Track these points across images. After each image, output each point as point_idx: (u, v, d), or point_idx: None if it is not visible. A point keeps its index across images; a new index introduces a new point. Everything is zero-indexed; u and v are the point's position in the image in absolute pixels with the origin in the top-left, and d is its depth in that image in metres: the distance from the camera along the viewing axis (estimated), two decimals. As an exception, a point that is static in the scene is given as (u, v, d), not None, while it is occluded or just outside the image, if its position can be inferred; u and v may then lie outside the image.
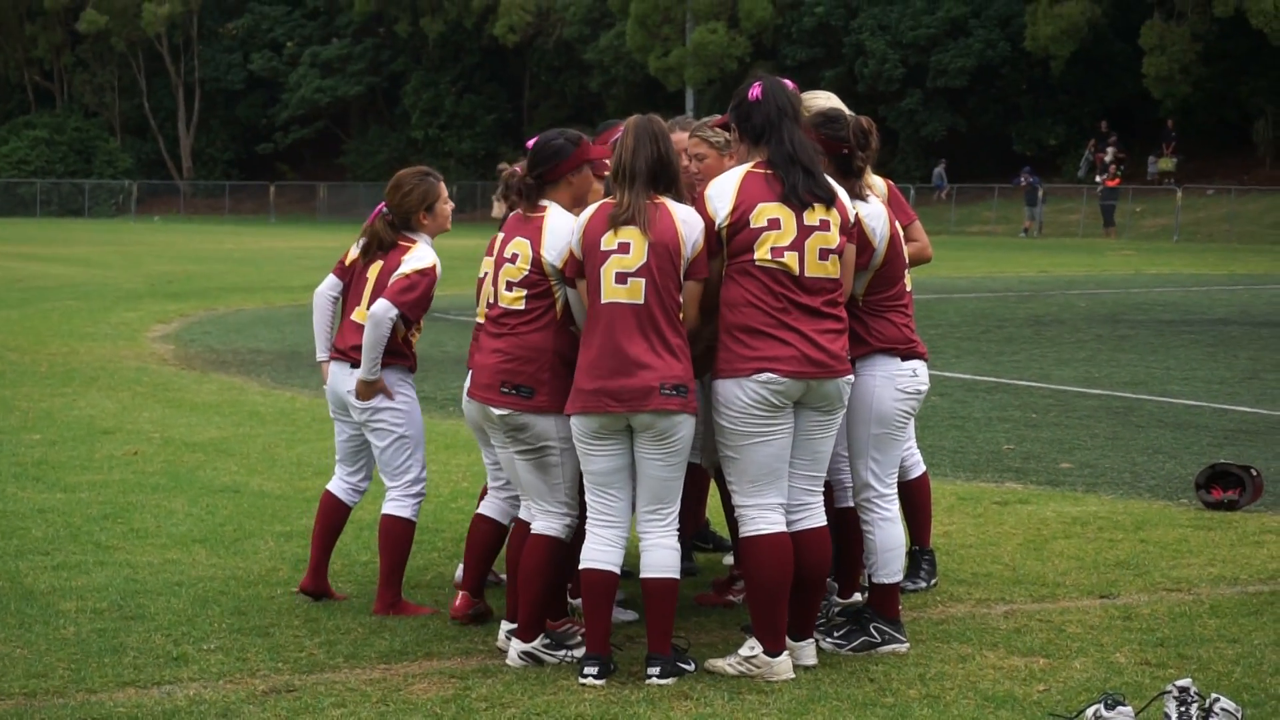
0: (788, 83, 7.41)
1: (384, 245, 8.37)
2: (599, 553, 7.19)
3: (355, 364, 8.22)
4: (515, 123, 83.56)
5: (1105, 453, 13.19)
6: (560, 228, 7.34)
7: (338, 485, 8.59)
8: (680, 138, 8.83)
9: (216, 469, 12.31)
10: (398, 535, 8.30)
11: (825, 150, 7.51)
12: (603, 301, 7.06)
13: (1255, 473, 10.99)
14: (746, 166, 7.22)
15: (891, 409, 7.64)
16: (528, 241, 7.37)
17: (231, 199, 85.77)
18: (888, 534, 7.66)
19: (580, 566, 7.22)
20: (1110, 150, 57.25)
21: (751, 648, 7.09)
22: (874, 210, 7.58)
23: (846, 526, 7.95)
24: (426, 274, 8.21)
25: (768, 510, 7.14)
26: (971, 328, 23.97)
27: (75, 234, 59.42)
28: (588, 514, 7.29)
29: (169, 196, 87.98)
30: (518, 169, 7.81)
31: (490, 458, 8.15)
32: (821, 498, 7.44)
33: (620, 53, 70.33)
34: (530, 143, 7.62)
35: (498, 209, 8.24)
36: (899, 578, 7.71)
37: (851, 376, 7.26)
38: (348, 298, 8.45)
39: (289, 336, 22.75)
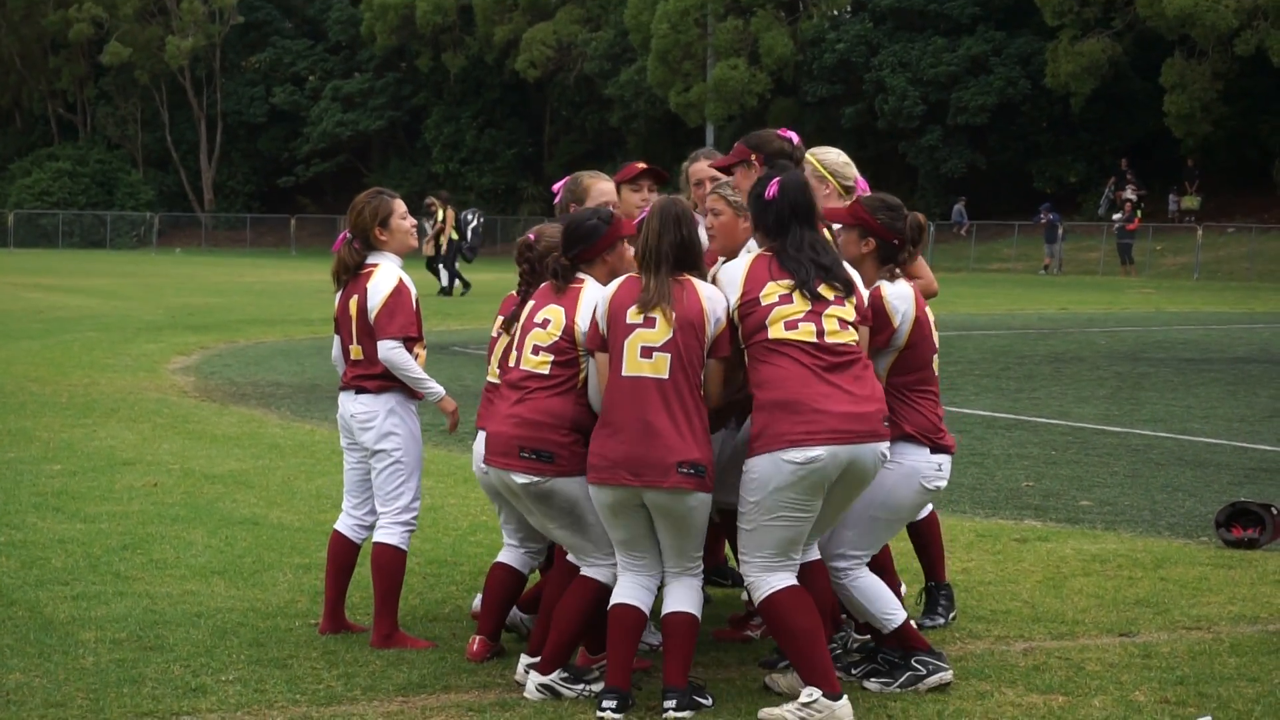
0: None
1: (349, 269, 8.47)
2: (630, 591, 7.22)
3: (360, 390, 8.32)
4: (536, 157, 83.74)
5: (1125, 490, 13.16)
6: (594, 300, 7.39)
7: (345, 523, 8.61)
8: (700, 166, 8.95)
9: (236, 501, 12.33)
10: (386, 564, 8.31)
11: (879, 236, 7.55)
12: (625, 374, 7.08)
13: (1276, 511, 10.97)
14: (757, 251, 7.29)
15: (907, 502, 7.60)
16: (562, 310, 7.43)
17: (253, 232, 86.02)
18: (865, 586, 7.57)
19: (611, 604, 7.24)
20: (1129, 188, 57.23)
21: (810, 694, 6.96)
22: (899, 291, 7.57)
23: None
24: (398, 293, 8.31)
25: (778, 573, 7.11)
26: (991, 365, 23.94)
27: (97, 265, 59.58)
28: (619, 561, 7.31)
29: (190, 229, 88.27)
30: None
31: (505, 516, 8.17)
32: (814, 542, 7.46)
33: (641, 88, 70.42)
34: (563, 222, 7.71)
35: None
36: (903, 614, 7.65)
37: (887, 445, 7.16)
38: (341, 335, 8.52)
39: (309, 369, 22.78)
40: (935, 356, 7.75)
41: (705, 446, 7.07)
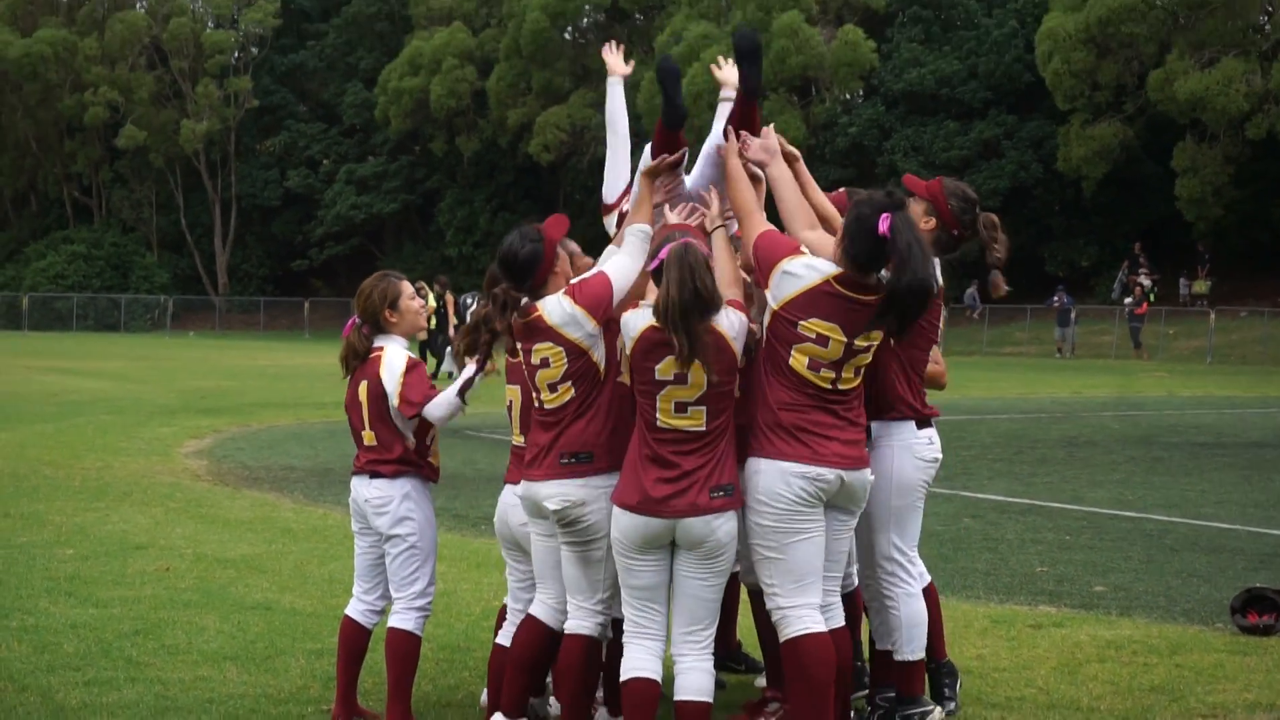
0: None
1: (358, 355, 8.48)
2: (642, 662, 7.18)
3: (374, 475, 8.31)
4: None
5: (1139, 576, 13.11)
6: (562, 311, 7.43)
7: (355, 608, 8.57)
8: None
9: (248, 585, 12.31)
10: (401, 650, 8.28)
11: (943, 218, 7.59)
12: (660, 425, 7.11)
13: (1291, 597, 10.92)
14: (829, 273, 7.14)
15: (912, 477, 7.67)
16: (549, 342, 7.47)
17: (266, 314, 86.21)
18: (912, 609, 7.62)
19: (623, 678, 7.19)
20: (1143, 273, 57.32)
21: None
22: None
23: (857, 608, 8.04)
24: (412, 367, 8.33)
25: (810, 610, 7.14)
26: (1004, 449, 23.90)
27: (111, 348, 59.73)
28: (626, 627, 7.27)
29: (204, 312, 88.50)
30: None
31: (516, 575, 8.17)
32: (839, 597, 7.47)
33: (654, 172, 70.68)
34: (498, 256, 7.71)
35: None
36: (923, 653, 7.66)
37: (870, 471, 7.30)
38: (352, 420, 8.51)
39: (322, 453, 22.78)
40: (936, 347, 7.89)
41: (734, 468, 7.17)
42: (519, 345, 7.63)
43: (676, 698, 7.18)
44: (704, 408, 7.08)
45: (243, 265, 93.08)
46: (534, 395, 7.59)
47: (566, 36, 79.74)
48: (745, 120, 7.86)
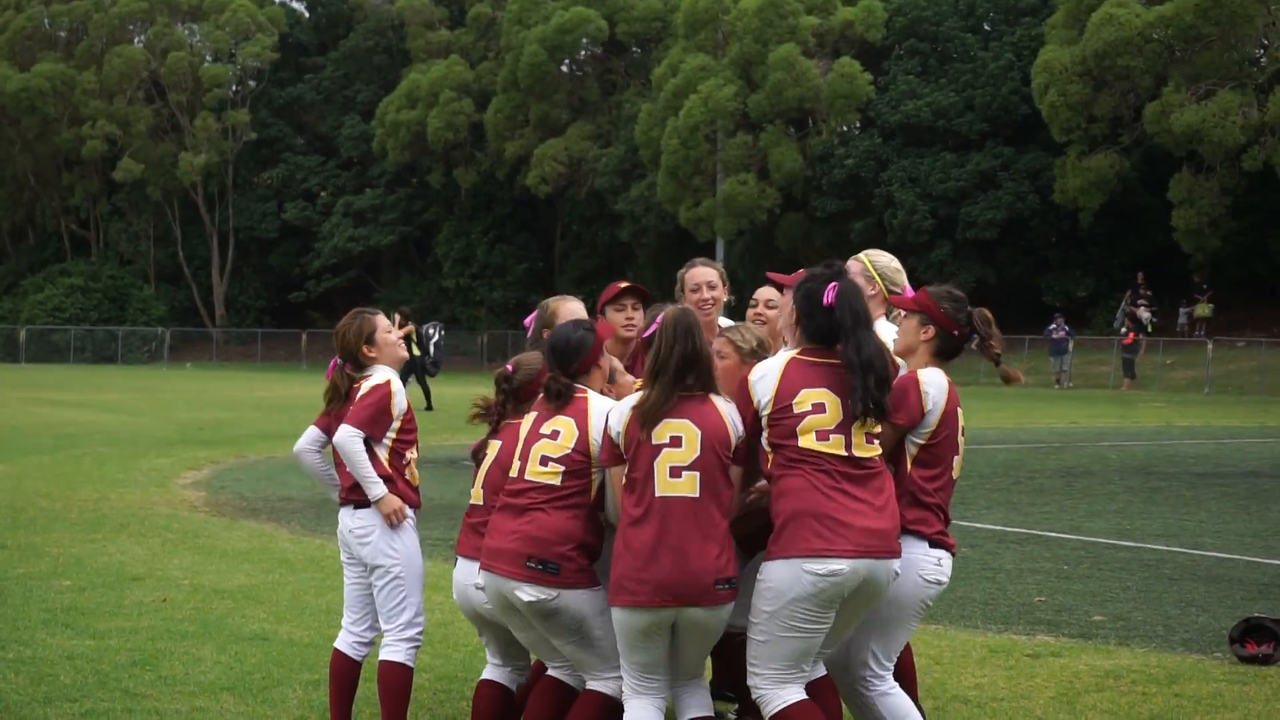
0: (849, 266, 7.37)
1: (340, 395, 8.51)
2: (646, 715, 7.14)
3: (358, 505, 8.31)
4: (547, 272, 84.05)
5: (1138, 605, 13.10)
6: (604, 411, 7.38)
7: (344, 640, 8.56)
8: (696, 272, 9.01)
9: (245, 616, 12.30)
10: (393, 682, 8.25)
11: (941, 325, 7.54)
12: (657, 495, 7.02)
13: (1289, 626, 10.91)
14: (791, 353, 7.20)
15: (910, 594, 7.43)
16: (572, 421, 7.40)
17: (264, 346, 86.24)
18: (895, 705, 7.50)
19: None
20: (1141, 304, 57.37)
21: None
22: (934, 378, 7.50)
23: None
24: (377, 389, 8.33)
25: (789, 685, 7.09)
26: (1002, 479, 23.90)
27: (108, 380, 59.72)
28: (629, 686, 7.21)
29: (201, 343, 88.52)
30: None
31: (487, 639, 8.06)
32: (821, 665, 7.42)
33: (651, 203, 70.80)
34: (549, 342, 7.65)
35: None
36: None
37: (899, 562, 7.14)
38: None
39: (319, 484, 22.72)
40: (957, 460, 7.60)
41: (733, 555, 7.09)
42: (532, 411, 7.59)
43: (684, 719, 7.18)
44: (697, 474, 7.01)
45: (240, 297, 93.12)
46: (516, 465, 7.47)
47: (564, 69, 79.88)
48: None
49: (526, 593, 7.27)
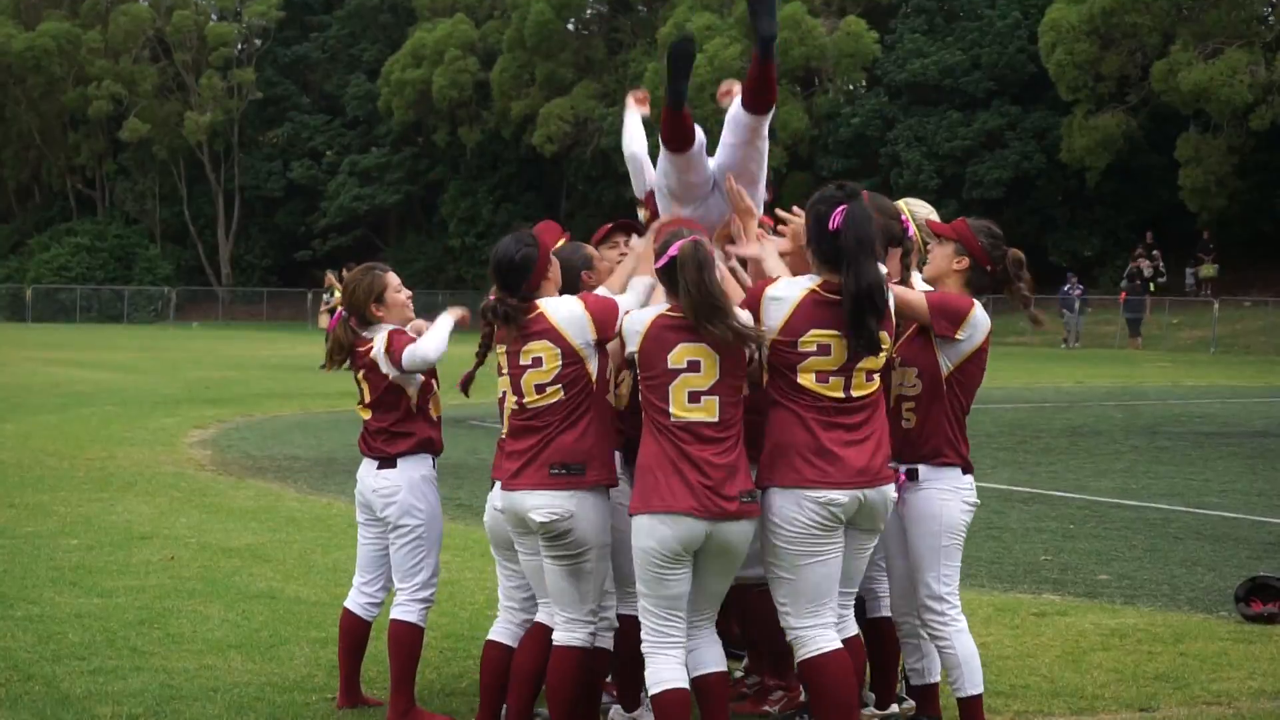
0: (869, 200, 7.30)
1: (343, 349, 8.45)
2: (671, 673, 7.09)
3: (382, 464, 8.29)
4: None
5: (1143, 564, 13.12)
6: (569, 312, 7.36)
7: (356, 600, 8.56)
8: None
9: (252, 575, 12.33)
10: (405, 641, 8.25)
11: (975, 256, 7.57)
12: (674, 418, 7.01)
13: (1295, 585, 10.93)
14: (810, 285, 7.12)
15: (959, 520, 7.60)
16: (547, 342, 7.35)
17: (270, 305, 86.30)
18: (965, 644, 7.55)
19: (654, 691, 7.08)
20: (1145, 262, 57.23)
21: None
22: (983, 316, 7.62)
23: (883, 637, 7.93)
24: (393, 333, 8.27)
25: (825, 629, 7.10)
26: (1008, 438, 23.91)
27: (114, 340, 59.77)
28: (647, 636, 7.16)
29: (208, 303, 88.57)
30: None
31: (509, 576, 8.05)
32: (852, 610, 7.44)
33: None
34: (491, 263, 7.62)
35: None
36: (982, 687, 7.60)
37: (893, 486, 7.21)
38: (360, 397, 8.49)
39: (325, 442, 22.80)
40: (973, 394, 7.81)
41: (748, 470, 7.10)
42: (507, 348, 7.54)
43: (695, 674, 7.15)
44: (716, 397, 7.00)
45: (246, 256, 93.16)
46: (516, 399, 7.44)
47: (570, 28, 79.66)
48: (763, 80, 7.72)
49: (542, 513, 7.26)
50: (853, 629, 7.40)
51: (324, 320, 42.16)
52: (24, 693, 8.64)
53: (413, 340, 8.19)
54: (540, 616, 7.67)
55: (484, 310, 7.72)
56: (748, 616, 8.46)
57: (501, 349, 7.54)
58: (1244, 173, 57.04)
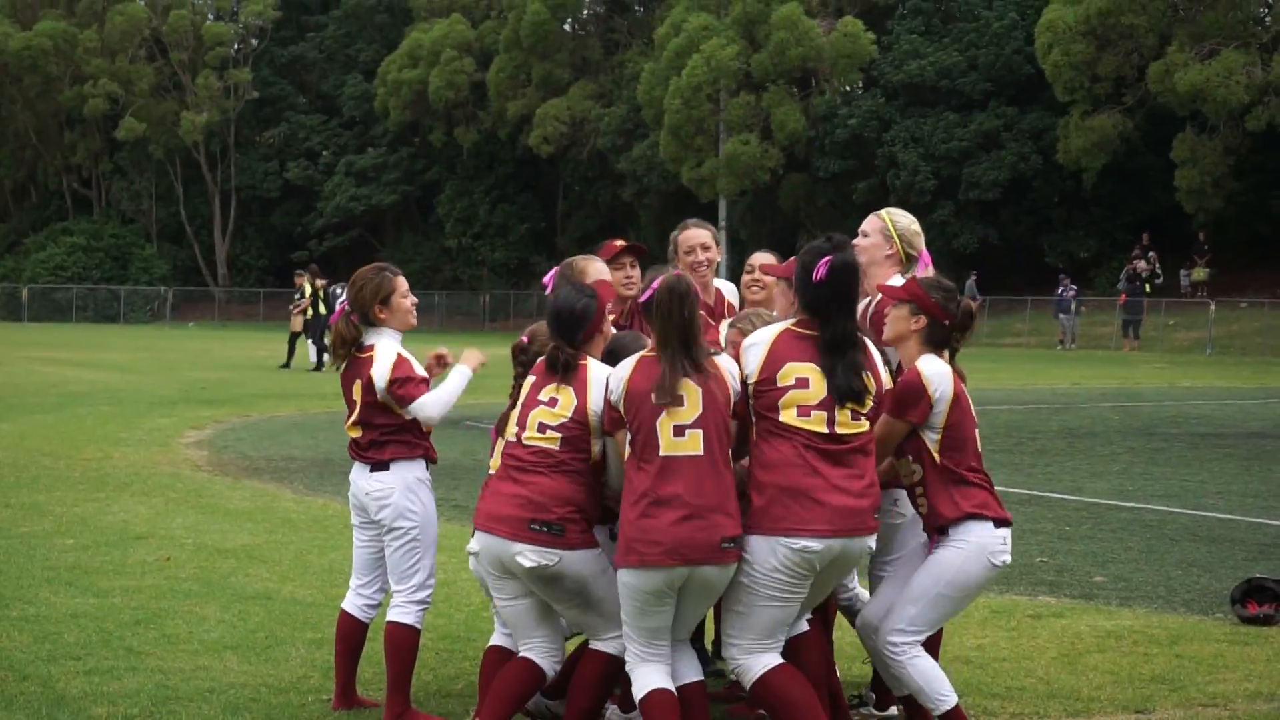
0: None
1: (346, 343, 8.40)
2: (656, 679, 7.13)
3: (375, 467, 8.24)
4: (548, 232, 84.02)
5: (1139, 566, 13.12)
6: (603, 380, 7.34)
7: (353, 602, 8.54)
8: (689, 235, 9.09)
9: (248, 575, 12.32)
10: (401, 643, 8.21)
11: (931, 314, 7.52)
12: (661, 455, 7.01)
13: (1291, 587, 10.93)
14: (786, 324, 7.23)
15: (975, 579, 7.48)
16: (571, 390, 7.35)
17: (266, 305, 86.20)
18: (922, 667, 7.49)
19: (640, 695, 7.13)
20: (1140, 263, 57.25)
21: None
22: (937, 369, 7.50)
23: None
24: (400, 363, 8.19)
25: (765, 654, 7.15)
26: (1004, 440, 23.90)
27: (110, 339, 59.73)
28: (632, 657, 7.19)
29: (204, 303, 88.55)
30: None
31: (498, 604, 7.97)
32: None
33: (653, 163, 70.70)
34: (551, 310, 7.57)
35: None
36: (954, 697, 7.56)
37: (874, 538, 7.19)
38: (348, 409, 8.44)
39: (322, 443, 22.78)
40: (975, 431, 7.69)
41: (738, 515, 7.07)
42: (530, 376, 7.54)
43: (679, 683, 7.17)
44: (700, 431, 7.00)
45: (242, 256, 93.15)
46: (517, 430, 7.44)
47: (566, 28, 79.72)
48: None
49: (528, 558, 7.24)
50: (802, 625, 7.43)
51: (297, 323, 42.21)
52: (20, 693, 8.63)
53: (422, 382, 8.17)
54: (524, 651, 7.60)
55: (516, 350, 7.74)
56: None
57: (531, 378, 7.54)
58: (1240, 174, 57.10)
